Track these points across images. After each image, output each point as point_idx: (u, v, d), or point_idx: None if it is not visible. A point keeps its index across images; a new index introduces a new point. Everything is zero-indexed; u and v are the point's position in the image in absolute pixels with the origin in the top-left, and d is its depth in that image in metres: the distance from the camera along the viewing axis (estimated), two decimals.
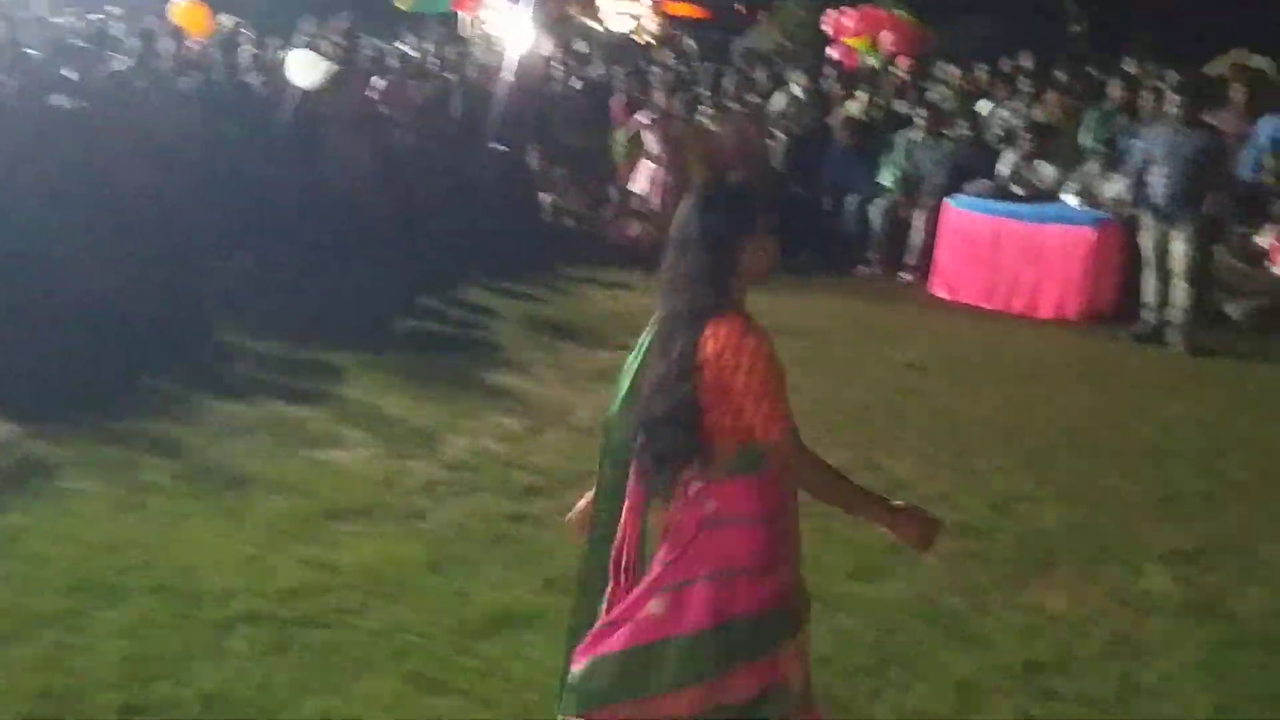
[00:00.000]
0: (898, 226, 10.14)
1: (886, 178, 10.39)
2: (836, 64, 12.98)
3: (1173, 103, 7.96)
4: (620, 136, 10.68)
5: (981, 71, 11.67)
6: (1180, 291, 7.76)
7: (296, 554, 4.28)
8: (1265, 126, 8.99)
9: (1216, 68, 11.02)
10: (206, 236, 7.87)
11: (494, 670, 3.56)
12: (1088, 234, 8.58)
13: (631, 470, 2.54)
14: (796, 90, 11.59)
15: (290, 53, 9.30)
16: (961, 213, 9.35)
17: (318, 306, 7.54)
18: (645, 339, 2.56)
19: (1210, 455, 5.84)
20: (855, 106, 11.38)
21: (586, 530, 2.67)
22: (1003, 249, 9.05)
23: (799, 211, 10.66)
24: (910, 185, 10.14)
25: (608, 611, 2.52)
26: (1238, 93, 9.38)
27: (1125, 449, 5.90)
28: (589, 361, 7.02)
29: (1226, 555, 4.69)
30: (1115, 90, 10.08)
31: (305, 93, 8.95)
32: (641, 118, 10.43)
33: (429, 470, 5.16)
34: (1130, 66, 10.91)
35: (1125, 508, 5.15)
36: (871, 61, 12.90)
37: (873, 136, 10.74)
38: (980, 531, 4.83)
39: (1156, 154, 7.81)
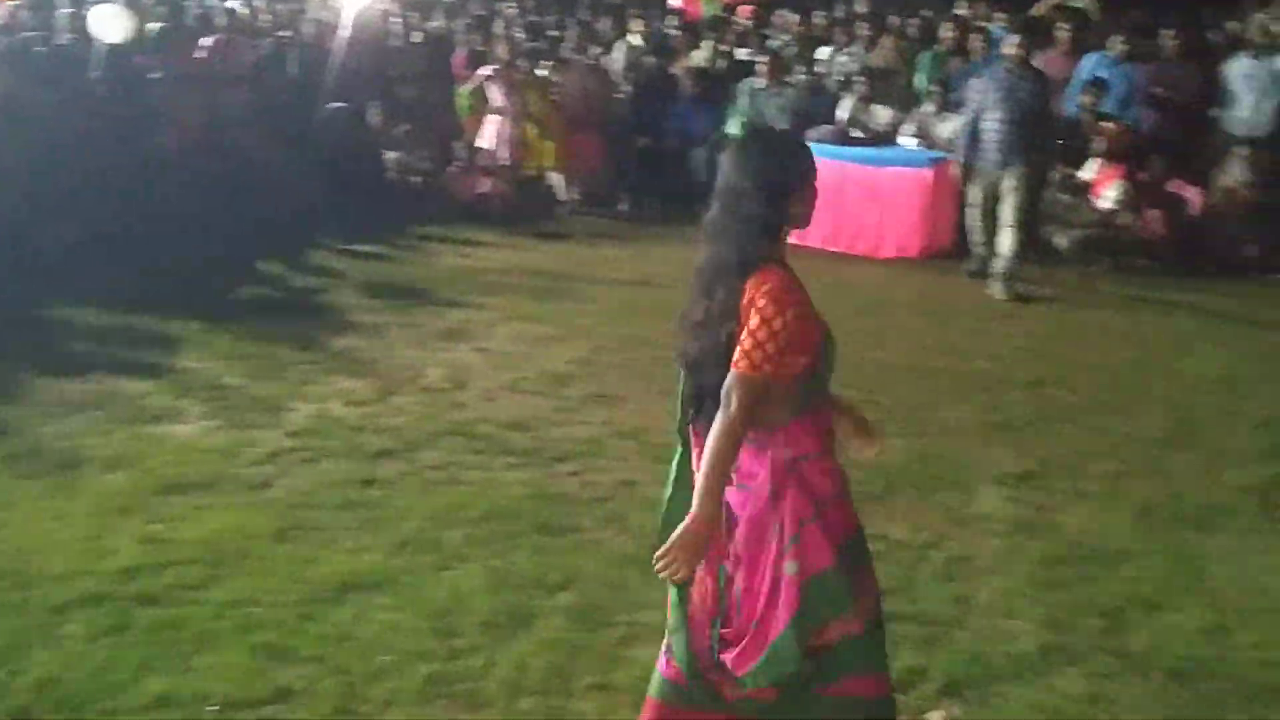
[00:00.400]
0: None
1: (733, 126, 10.49)
2: (678, 13, 12.97)
3: (1010, 44, 7.99)
4: (464, 91, 10.50)
5: (820, 18, 11.81)
6: (1006, 239, 7.78)
7: (135, 531, 4.14)
8: (1086, 64, 9.36)
9: (1039, 9, 11.37)
10: (29, 207, 7.47)
11: (344, 636, 3.52)
12: (925, 174, 8.83)
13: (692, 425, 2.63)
14: (636, 40, 11.55)
15: (94, 7, 8.80)
16: None
17: (152, 275, 7.26)
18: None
19: (1039, 382, 6.12)
20: (700, 56, 11.43)
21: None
22: (845, 192, 9.23)
23: (648, 162, 10.72)
24: None
25: (711, 565, 2.57)
26: (1062, 32, 9.70)
27: (960, 378, 6.14)
28: (440, 320, 6.94)
29: (1055, 476, 4.93)
30: (946, 33, 10.33)
31: (113, 47, 8.53)
32: (485, 71, 10.27)
33: (274, 439, 5.04)
34: (961, 9, 11.17)
35: (961, 434, 5.37)
36: (711, 10, 12.92)
37: (717, 86, 10.81)
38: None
39: (991, 99, 7.81)
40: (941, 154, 8.90)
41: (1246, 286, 8.14)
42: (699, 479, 2.49)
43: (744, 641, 2.55)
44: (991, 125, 7.76)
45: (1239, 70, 8.96)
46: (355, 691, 3.26)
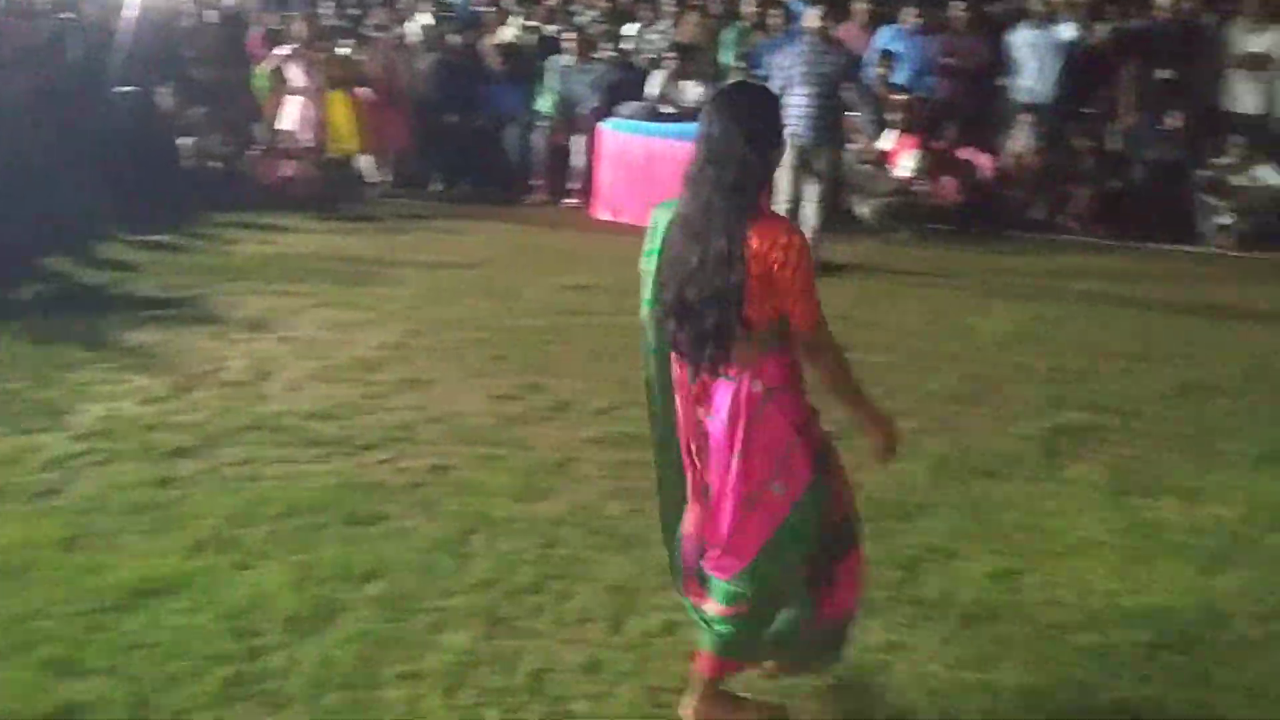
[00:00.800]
0: (558, 152, 10.25)
1: (544, 104, 10.45)
2: None
3: (810, 18, 7.87)
4: (261, 71, 10.12)
5: None
6: (812, 212, 7.69)
7: None
8: (881, 37, 9.68)
9: None
10: None
11: (136, 644, 3.35)
12: None
13: (673, 361, 2.88)
14: (426, 17, 11.32)
15: None
16: (616, 135, 9.56)
17: None
18: (659, 234, 2.84)
19: (842, 347, 6.28)
20: (508, 32, 11.33)
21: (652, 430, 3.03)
22: (657, 168, 9.30)
23: (459, 142, 10.57)
24: (567, 110, 10.25)
25: (695, 498, 2.94)
26: (859, 5, 9.98)
27: None
28: (242, 310, 6.69)
29: (855, 436, 5.03)
30: (749, 7, 10.51)
31: None
32: (283, 50, 9.91)
33: (59, 443, 4.75)
34: None
35: None
36: None
37: (526, 62, 10.74)
38: (642, 439, 4.93)
39: (796, 74, 7.60)
40: None
41: (1034, 247, 8.59)
42: (849, 406, 2.90)
43: (722, 552, 2.87)
44: (798, 100, 7.54)
45: (1022, 40, 9.43)
46: (148, 701, 3.11)
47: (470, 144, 10.55)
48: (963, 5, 9.64)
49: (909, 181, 8.95)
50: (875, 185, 8.97)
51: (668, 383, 2.94)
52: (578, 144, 10.02)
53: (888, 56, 9.31)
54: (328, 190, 9.79)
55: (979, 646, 3.45)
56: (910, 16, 9.61)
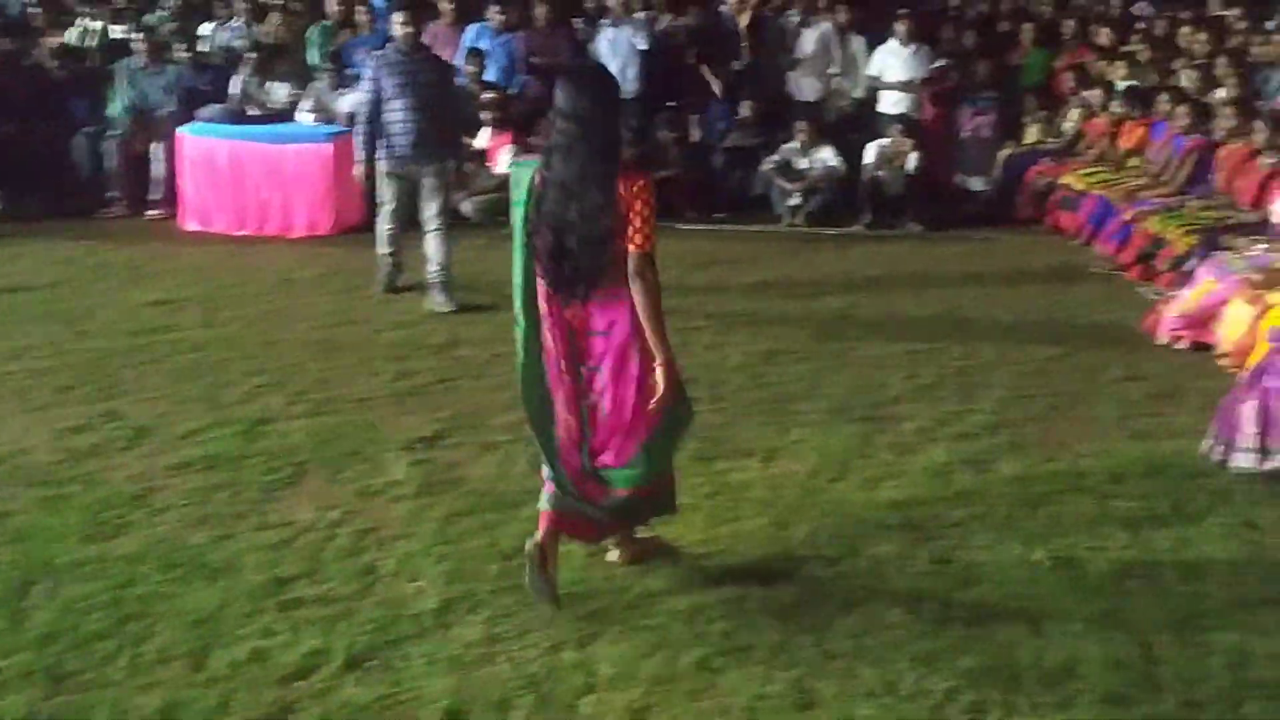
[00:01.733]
0: (137, 161, 9.51)
1: (115, 110, 9.65)
2: None
3: (397, 24, 6.98)
4: None
5: None
6: (436, 245, 6.90)
7: None
8: (469, 35, 9.72)
9: None
10: None
11: None
12: (326, 150, 8.71)
13: (541, 287, 3.52)
14: None
15: None
16: (198, 140, 9.01)
17: None
18: (524, 189, 3.50)
19: (450, 344, 6.28)
20: (72, 34, 10.39)
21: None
22: (246, 173, 8.91)
23: (21, 153, 9.53)
24: (141, 116, 9.52)
25: (578, 407, 3.59)
26: (445, 4, 9.96)
27: (371, 349, 6.15)
28: None
29: (463, 433, 5.07)
30: (333, 5, 10.23)
31: None
32: None
33: None
34: None
35: (371, 405, 5.37)
36: None
37: (90, 67, 9.88)
38: (230, 460, 4.73)
39: (391, 86, 6.75)
40: (341, 129, 8.82)
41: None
42: (652, 336, 3.42)
43: (619, 444, 3.56)
44: (398, 117, 6.73)
45: (605, 38, 9.80)
46: None
47: (34, 156, 9.54)
48: (544, 3, 9.86)
49: (509, 176, 9.04)
50: (477, 182, 9.00)
51: (535, 321, 3.56)
52: (157, 151, 9.34)
53: (477, 55, 9.37)
54: None
55: (577, 627, 3.51)
56: (494, 14, 9.71)
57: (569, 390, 3.56)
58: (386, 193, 7.04)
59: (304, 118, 9.19)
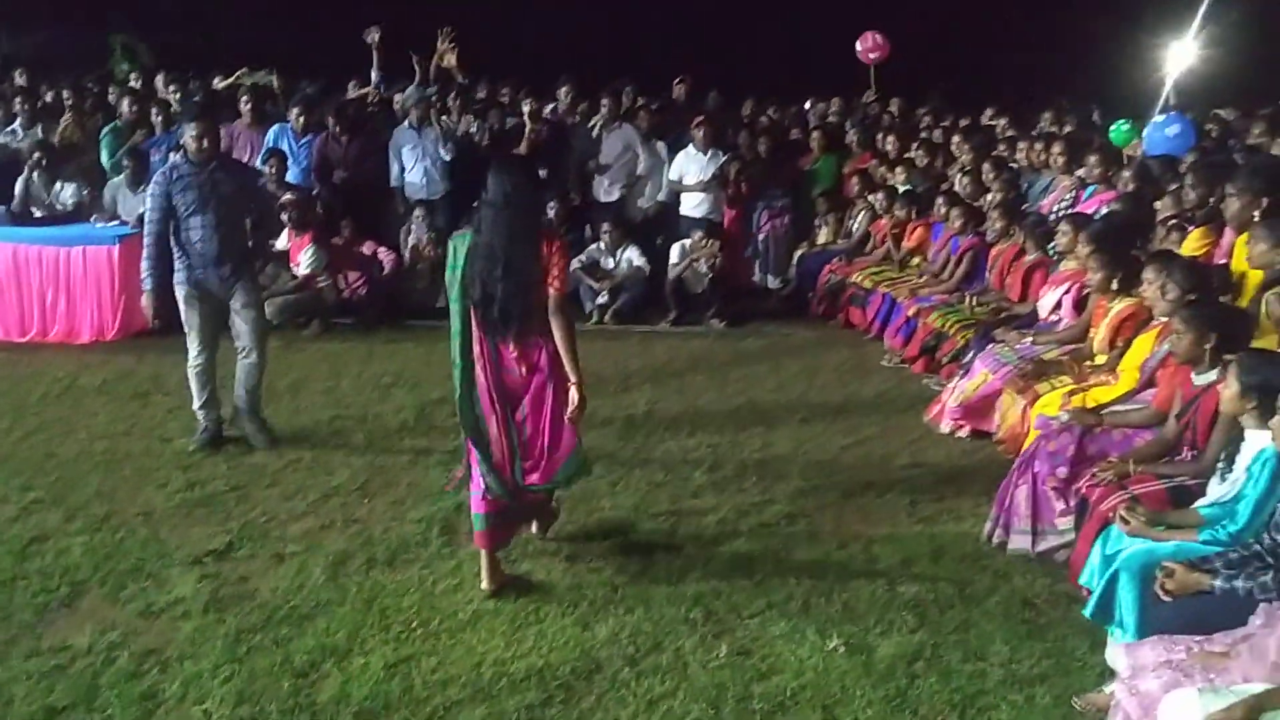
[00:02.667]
0: None
1: None
2: None
3: (190, 136, 6.00)
4: None
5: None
6: (247, 374, 6.23)
7: None
8: (270, 136, 9.60)
9: (220, 82, 11.46)
10: None
11: None
12: (113, 252, 8.38)
13: (476, 333, 4.40)
14: None
15: None
16: None
17: None
18: (461, 255, 4.37)
19: (239, 452, 6.06)
20: None
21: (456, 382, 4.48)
22: (29, 276, 8.49)
23: None
24: None
25: (507, 431, 4.46)
26: (245, 105, 9.82)
27: (156, 460, 5.89)
28: None
29: (255, 543, 4.90)
30: (125, 106, 9.96)
31: None
32: None
33: None
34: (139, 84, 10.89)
35: (156, 519, 5.13)
36: None
37: None
38: (3, 584, 4.43)
39: (185, 203, 5.96)
40: (129, 230, 8.53)
41: (437, 334, 8.84)
42: (567, 359, 4.36)
43: (543, 464, 4.48)
44: (197, 235, 5.98)
45: (405, 140, 9.85)
46: None
47: None
48: (336, 106, 9.90)
49: (310, 277, 8.91)
50: (277, 283, 8.81)
51: (470, 363, 4.43)
52: None
53: (277, 156, 9.26)
54: None
55: None
56: (296, 116, 9.65)
57: (500, 417, 4.44)
58: (190, 323, 6.10)
59: (96, 219, 8.86)
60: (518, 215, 4.30)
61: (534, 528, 4.96)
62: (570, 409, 4.37)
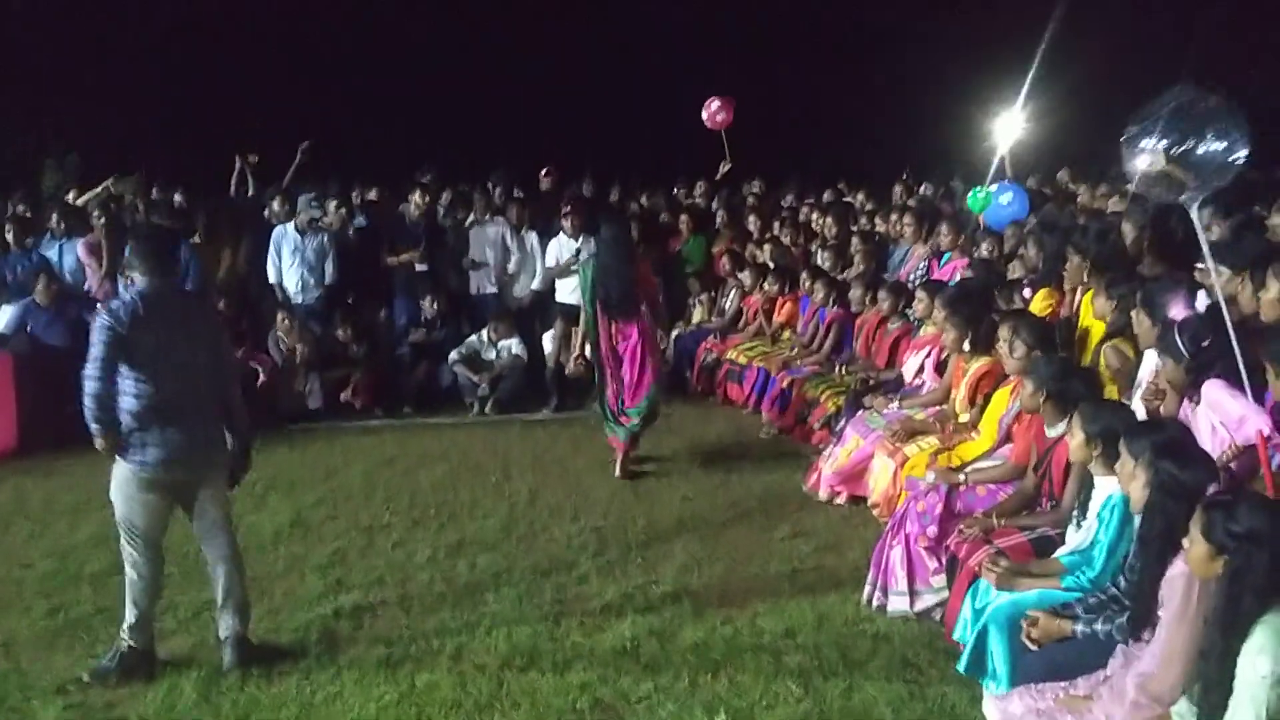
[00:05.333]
0: None
1: None
2: None
3: (141, 272, 4.58)
4: None
5: None
6: (232, 589, 4.75)
7: None
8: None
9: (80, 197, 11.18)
10: None
11: None
12: None
13: (600, 316, 7.42)
14: None
15: None
16: None
17: None
18: (589, 272, 7.43)
19: (106, 573, 5.81)
20: None
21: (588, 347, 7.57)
22: None
23: None
24: None
25: (615, 375, 7.52)
26: (98, 221, 9.57)
27: (18, 587, 5.63)
28: None
29: None
30: None
31: None
32: None
33: None
34: None
35: (16, 648, 4.90)
36: None
37: None
38: None
39: (143, 354, 4.47)
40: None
41: (315, 437, 8.73)
42: (656, 327, 7.70)
43: (634, 394, 7.41)
44: (171, 390, 4.51)
45: (288, 243, 9.77)
46: None
47: None
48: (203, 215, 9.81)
49: None
50: None
51: (597, 336, 7.41)
52: None
53: None
54: None
55: None
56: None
57: (612, 368, 7.45)
58: (137, 516, 4.62)
59: None
60: (621, 247, 7.38)
61: (616, 469, 7.43)
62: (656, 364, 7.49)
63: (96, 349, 4.39)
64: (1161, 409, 4.43)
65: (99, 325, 4.42)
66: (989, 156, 9.08)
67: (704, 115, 11.14)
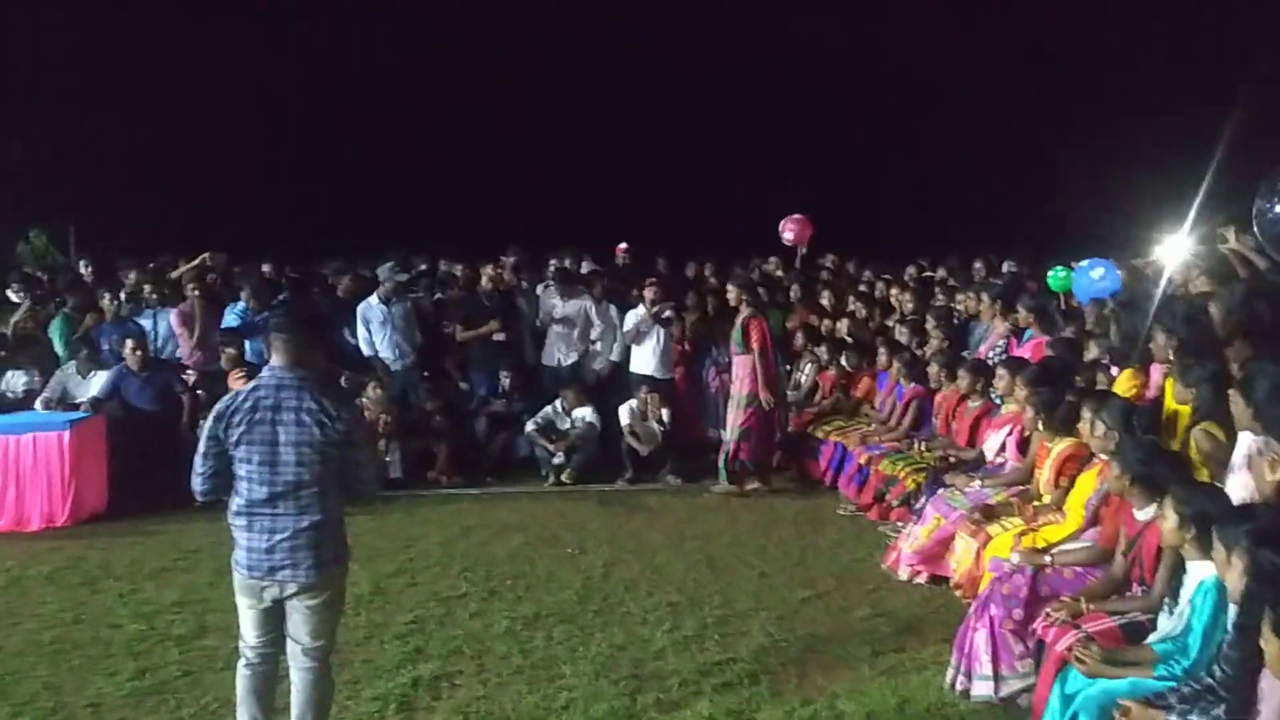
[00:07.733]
0: None
1: None
2: None
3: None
4: None
5: None
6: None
7: None
8: (228, 316, 9.78)
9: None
10: None
11: None
12: (61, 438, 8.32)
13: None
14: None
15: None
16: None
17: None
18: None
19: (193, 635, 5.94)
20: None
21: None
22: None
23: None
24: None
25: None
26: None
27: (105, 649, 5.73)
28: None
29: None
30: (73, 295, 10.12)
31: None
32: None
33: None
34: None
35: (104, 710, 4.99)
36: None
37: None
38: None
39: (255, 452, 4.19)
40: (82, 414, 8.53)
41: (395, 506, 8.83)
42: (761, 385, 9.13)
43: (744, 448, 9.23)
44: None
45: (374, 315, 10.01)
46: None
47: None
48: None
49: None
50: None
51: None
52: None
53: (234, 333, 9.35)
54: None
55: None
56: (247, 296, 9.83)
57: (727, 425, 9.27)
58: (247, 624, 4.35)
59: (46, 405, 8.87)
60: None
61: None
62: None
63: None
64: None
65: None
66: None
67: (780, 231, 11.52)
